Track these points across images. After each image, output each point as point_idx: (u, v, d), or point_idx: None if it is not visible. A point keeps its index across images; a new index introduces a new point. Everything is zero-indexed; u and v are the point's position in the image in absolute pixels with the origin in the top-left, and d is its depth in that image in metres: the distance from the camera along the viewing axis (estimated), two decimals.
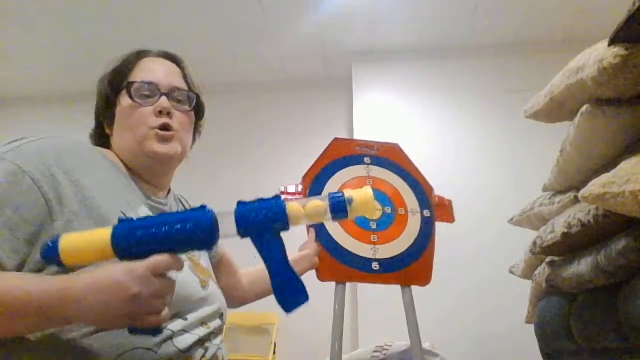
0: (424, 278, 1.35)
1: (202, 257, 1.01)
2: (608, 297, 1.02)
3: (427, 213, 1.41)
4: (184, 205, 1.10)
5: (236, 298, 1.19)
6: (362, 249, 1.34)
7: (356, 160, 1.45)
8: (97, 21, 3.10)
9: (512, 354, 2.46)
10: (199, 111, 1.04)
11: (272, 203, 0.67)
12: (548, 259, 1.37)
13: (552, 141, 1.49)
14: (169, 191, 1.03)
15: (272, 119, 3.80)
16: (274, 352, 3.23)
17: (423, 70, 3.48)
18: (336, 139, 1.48)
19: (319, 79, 3.83)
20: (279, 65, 3.69)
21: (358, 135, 3.32)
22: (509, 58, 3.36)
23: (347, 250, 1.32)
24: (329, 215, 0.69)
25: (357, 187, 1.36)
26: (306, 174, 1.40)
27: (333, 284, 1.30)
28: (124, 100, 0.94)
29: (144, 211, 0.89)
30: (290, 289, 0.68)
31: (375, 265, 1.32)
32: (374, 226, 1.37)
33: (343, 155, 1.45)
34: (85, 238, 0.64)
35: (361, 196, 0.68)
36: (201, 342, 0.85)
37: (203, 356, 0.85)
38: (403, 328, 1.29)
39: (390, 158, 1.48)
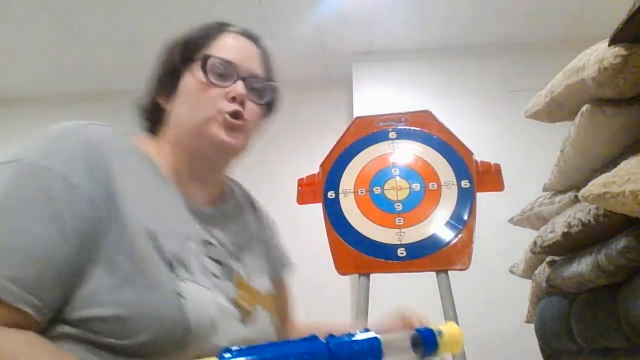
0: (462, 260, 1.18)
1: (255, 270, 0.82)
2: (608, 297, 1.02)
3: (465, 184, 1.26)
4: (252, 202, 0.97)
5: None
6: (385, 235, 1.19)
7: (380, 137, 1.32)
8: (97, 20, 3.10)
9: (512, 354, 2.46)
10: (271, 107, 0.90)
11: (369, 342, 0.63)
12: (548, 259, 1.37)
13: (552, 141, 1.49)
14: (222, 193, 0.88)
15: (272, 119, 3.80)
16: None
17: (423, 70, 3.48)
18: (358, 118, 1.38)
19: (319, 79, 3.83)
20: (278, 66, 3.69)
21: None
22: (509, 58, 3.36)
23: (367, 238, 1.19)
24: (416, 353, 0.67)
25: (379, 165, 1.29)
26: (325, 160, 1.29)
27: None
28: (194, 75, 0.80)
29: (191, 226, 0.72)
30: None
31: (401, 252, 1.18)
32: (399, 207, 1.22)
33: (365, 134, 1.33)
34: None
35: (451, 331, 0.69)
36: None
37: None
38: None
39: (421, 127, 1.33)
